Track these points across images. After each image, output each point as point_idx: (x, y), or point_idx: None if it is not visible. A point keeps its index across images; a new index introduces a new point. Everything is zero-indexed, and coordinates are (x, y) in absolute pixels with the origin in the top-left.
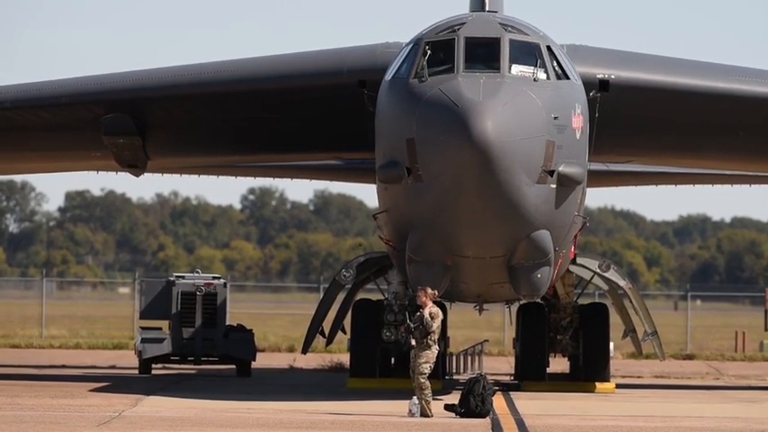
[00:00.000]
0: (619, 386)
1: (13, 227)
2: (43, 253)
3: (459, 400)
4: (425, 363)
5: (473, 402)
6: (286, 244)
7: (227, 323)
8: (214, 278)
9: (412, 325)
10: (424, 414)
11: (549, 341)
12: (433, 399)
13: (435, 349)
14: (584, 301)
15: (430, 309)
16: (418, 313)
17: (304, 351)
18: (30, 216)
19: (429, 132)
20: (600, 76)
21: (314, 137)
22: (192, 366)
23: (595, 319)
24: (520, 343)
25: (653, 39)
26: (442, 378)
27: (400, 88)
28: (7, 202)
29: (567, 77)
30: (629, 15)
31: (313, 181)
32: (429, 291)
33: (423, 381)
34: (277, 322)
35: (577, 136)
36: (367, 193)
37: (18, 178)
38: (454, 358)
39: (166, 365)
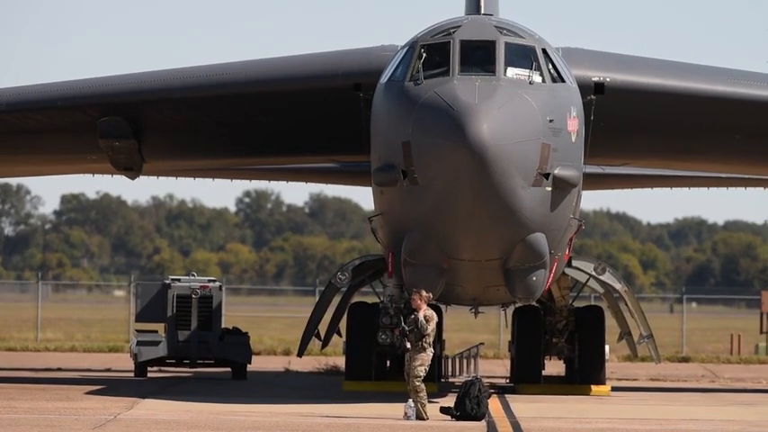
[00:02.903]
0: (614, 389)
1: (8, 230)
2: (39, 256)
3: (455, 403)
4: (420, 366)
5: (469, 405)
6: (281, 247)
7: (223, 326)
8: (210, 281)
9: (407, 328)
10: (419, 417)
11: (544, 344)
12: (429, 402)
13: (430, 352)
14: (579, 303)
15: (424, 311)
16: (413, 316)
17: (300, 354)
18: (25, 219)
19: (424, 135)
20: (595, 78)
21: (310, 140)
22: (187, 369)
23: (591, 322)
24: (515, 346)
25: (648, 42)
26: (437, 381)
27: (396, 91)
28: (3, 205)
29: (563, 80)
30: (624, 18)
31: (309, 184)
32: (423, 293)
33: (417, 384)
34: (273, 325)
35: (573, 139)
36: (363, 196)
37: (13, 181)
38: (450, 361)
39: (162, 368)
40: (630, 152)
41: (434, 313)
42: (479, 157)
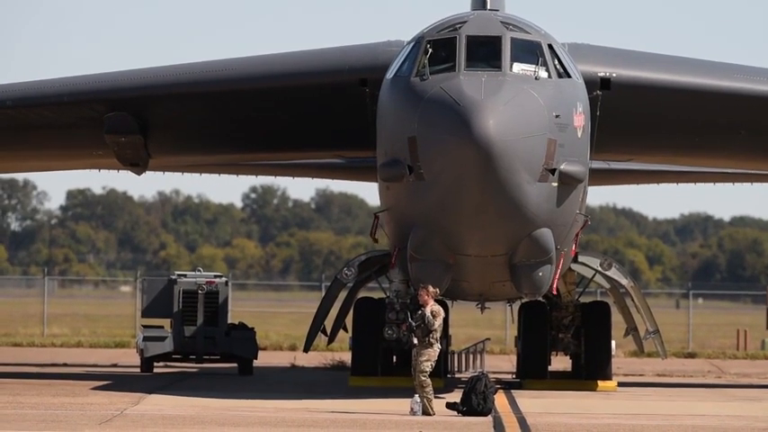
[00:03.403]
0: (620, 384)
1: (14, 225)
2: (45, 251)
3: (461, 399)
4: (427, 361)
5: (475, 401)
6: (287, 242)
7: (229, 321)
8: (216, 276)
9: (413, 323)
10: (425, 412)
11: (550, 339)
12: (435, 397)
13: (437, 348)
14: (585, 299)
15: (431, 307)
16: (420, 311)
17: (306, 349)
18: (31, 214)
19: (431, 131)
20: (601, 74)
21: (316, 135)
22: (193, 365)
23: (597, 318)
24: (521, 341)
25: (654, 37)
26: (443, 376)
27: (402, 87)
28: (9, 201)
29: (569, 76)
30: (630, 14)
31: (314, 179)
32: (431, 289)
33: (424, 379)
34: (278, 321)
35: (579, 134)
36: (369, 192)
37: (20, 176)
38: (456, 357)
39: (168, 364)
40: (636, 147)
41: (441, 308)
42: (485, 152)
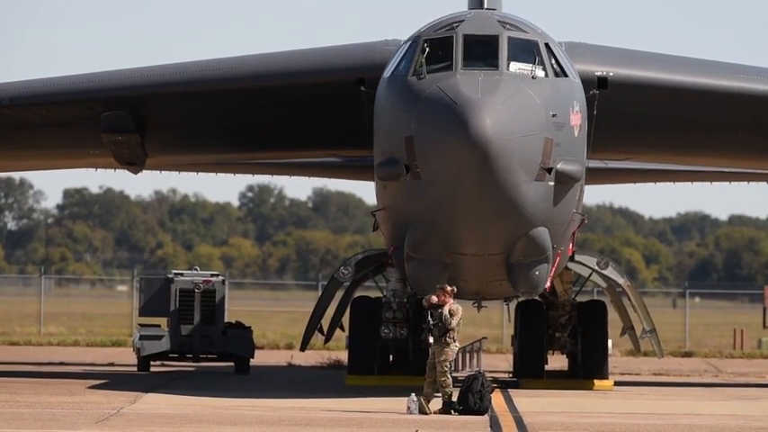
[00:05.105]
0: (617, 383)
1: (11, 224)
2: (42, 250)
3: (458, 398)
4: (445, 361)
5: (472, 400)
6: (284, 241)
7: (226, 320)
8: (212, 275)
9: (431, 322)
10: (422, 411)
11: (547, 338)
12: (434, 396)
13: (454, 347)
14: (582, 298)
15: (450, 306)
16: (438, 310)
17: (302, 348)
18: (28, 213)
19: (427, 130)
20: (598, 73)
21: (313, 134)
22: (190, 363)
23: (594, 317)
24: (518, 340)
25: (651, 36)
26: None
27: (399, 86)
28: (6, 200)
29: (566, 75)
30: (627, 13)
31: (311, 178)
32: (448, 288)
33: (443, 379)
34: (275, 320)
35: (576, 133)
36: (366, 191)
37: (16, 175)
38: None
39: (165, 363)
40: (633, 147)
41: (459, 308)
42: (482, 151)
